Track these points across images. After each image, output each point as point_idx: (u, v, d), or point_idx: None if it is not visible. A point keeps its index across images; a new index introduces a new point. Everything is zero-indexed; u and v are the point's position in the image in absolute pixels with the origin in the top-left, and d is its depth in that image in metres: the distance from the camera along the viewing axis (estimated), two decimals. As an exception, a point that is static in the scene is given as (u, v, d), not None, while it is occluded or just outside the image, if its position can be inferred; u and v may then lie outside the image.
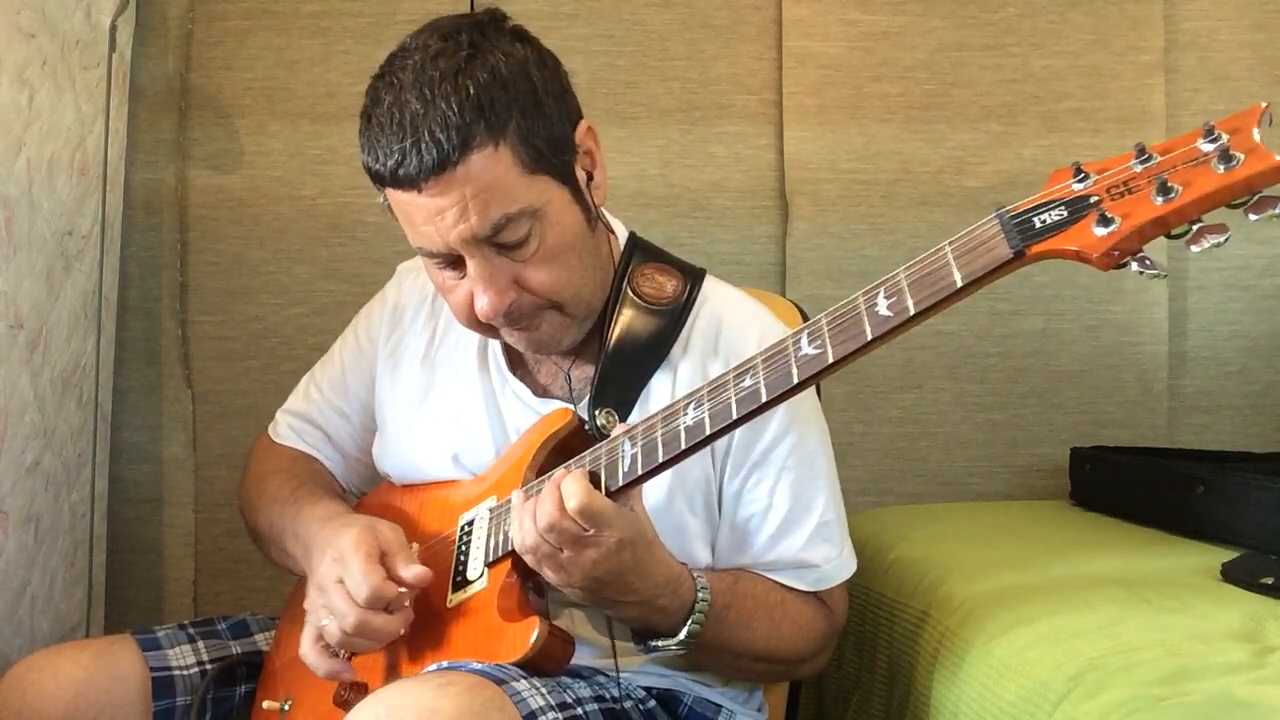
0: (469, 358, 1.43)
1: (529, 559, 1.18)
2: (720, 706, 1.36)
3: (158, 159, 2.16)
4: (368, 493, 1.55)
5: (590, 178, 1.30)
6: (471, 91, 1.18)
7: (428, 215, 1.20)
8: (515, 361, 1.42)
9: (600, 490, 1.16)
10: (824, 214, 2.20)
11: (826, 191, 2.20)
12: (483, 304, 1.24)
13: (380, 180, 1.23)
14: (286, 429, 1.56)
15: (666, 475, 1.26)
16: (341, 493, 1.53)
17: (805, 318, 1.63)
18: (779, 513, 1.33)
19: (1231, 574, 1.42)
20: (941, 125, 2.22)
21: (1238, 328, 2.24)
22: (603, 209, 1.36)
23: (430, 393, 1.44)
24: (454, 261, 1.25)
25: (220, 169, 2.16)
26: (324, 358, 1.59)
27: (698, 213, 2.20)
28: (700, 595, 1.24)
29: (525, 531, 1.16)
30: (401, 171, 1.19)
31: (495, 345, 1.42)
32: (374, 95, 1.24)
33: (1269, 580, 1.36)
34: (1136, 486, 1.84)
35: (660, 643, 1.25)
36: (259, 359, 2.17)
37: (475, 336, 1.42)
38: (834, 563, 1.36)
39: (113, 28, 1.96)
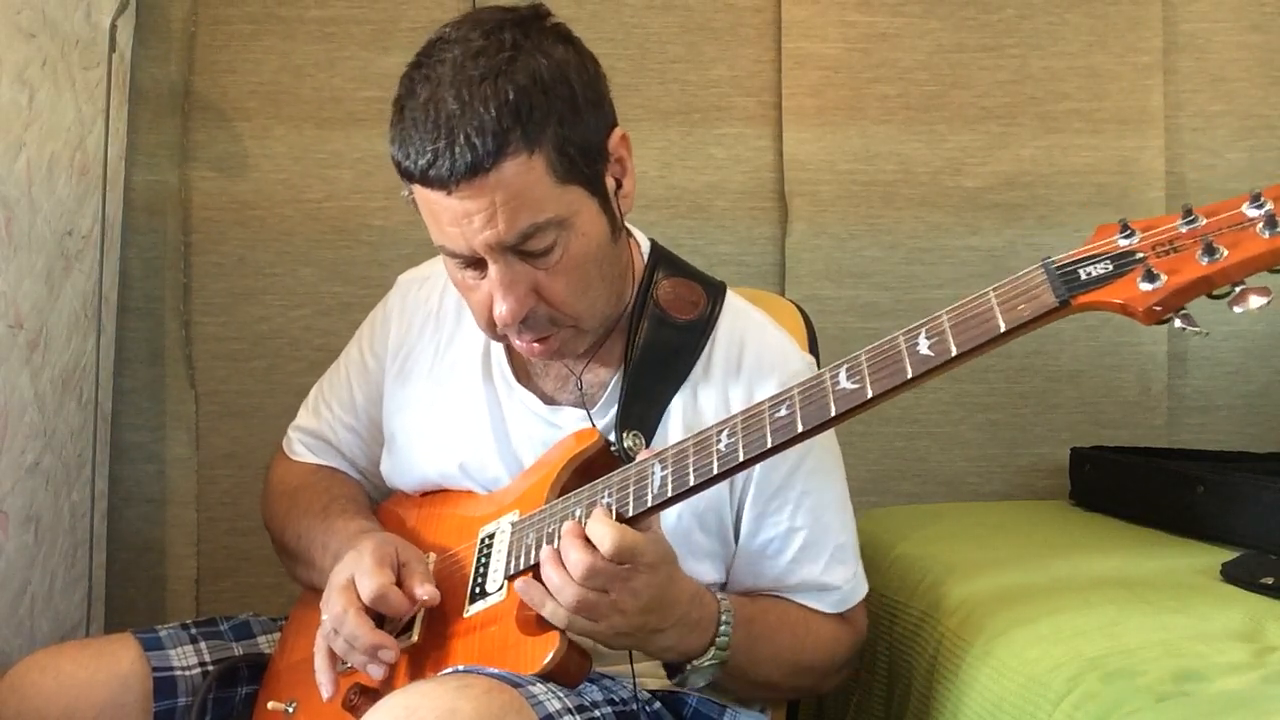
0: (472, 367, 1.42)
1: (579, 622, 1.16)
2: (724, 707, 1.36)
3: (160, 161, 2.15)
4: (384, 502, 1.55)
5: (619, 186, 1.28)
6: (510, 96, 1.15)
7: (454, 217, 1.19)
8: (521, 369, 1.41)
9: (614, 518, 1.16)
10: (823, 215, 2.20)
11: (825, 192, 2.20)
12: (501, 310, 1.22)
13: (409, 177, 1.21)
14: (301, 446, 1.56)
15: None
16: (372, 506, 1.52)
17: (805, 317, 1.63)
18: (799, 536, 1.33)
19: (1231, 574, 1.42)
20: (940, 126, 2.22)
21: (1235, 328, 2.24)
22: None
23: (436, 404, 1.43)
24: (475, 263, 1.23)
25: (224, 171, 2.16)
26: (330, 371, 1.58)
27: (697, 214, 2.20)
28: (723, 604, 1.25)
29: (567, 592, 1.14)
30: (432, 172, 1.17)
31: (499, 354, 1.41)
32: (408, 87, 1.21)
33: (1269, 580, 1.37)
34: (1136, 486, 1.85)
35: (696, 662, 1.24)
36: (264, 359, 2.17)
37: (478, 346, 1.42)
38: (852, 583, 1.37)
39: (113, 28, 1.96)
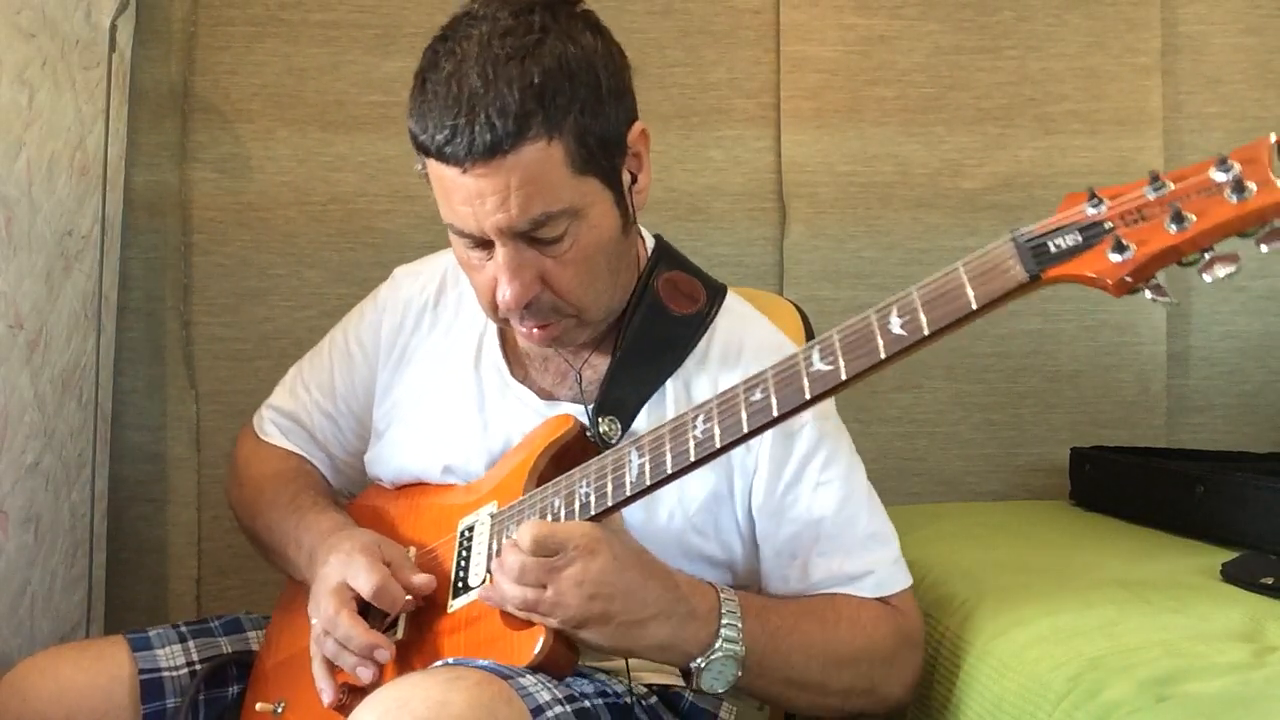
0: (465, 363, 1.40)
1: (535, 618, 1.16)
2: (721, 701, 1.35)
3: (160, 161, 2.15)
4: (357, 495, 1.54)
5: (634, 180, 1.27)
6: (536, 79, 1.14)
7: (467, 196, 1.17)
8: (517, 365, 1.39)
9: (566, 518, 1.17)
10: (821, 216, 2.21)
11: (823, 194, 2.21)
12: (505, 295, 1.21)
13: (424, 150, 1.20)
14: (272, 426, 1.54)
15: (667, 495, 1.25)
16: (337, 498, 1.51)
17: (804, 317, 1.64)
18: (821, 528, 1.29)
19: (1231, 574, 1.43)
20: (938, 128, 2.22)
21: (1233, 328, 2.25)
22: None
23: (428, 400, 1.42)
24: (483, 243, 1.21)
25: (226, 173, 2.16)
26: (311, 354, 1.57)
27: (696, 216, 2.20)
28: (724, 595, 1.21)
29: (508, 593, 1.15)
30: (449, 148, 1.15)
31: (494, 350, 1.40)
32: (432, 59, 1.20)
33: (1269, 580, 1.37)
34: (1136, 486, 1.85)
35: (700, 660, 1.18)
36: (269, 359, 2.16)
37: (471, 340, 1.41)
38: (889, 568, 1.31)
39: (113, 28, 1.96)
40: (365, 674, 1.21)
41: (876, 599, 1.30)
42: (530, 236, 1.19)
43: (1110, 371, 2.22)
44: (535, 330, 1.27)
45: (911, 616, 1.32)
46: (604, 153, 1.21)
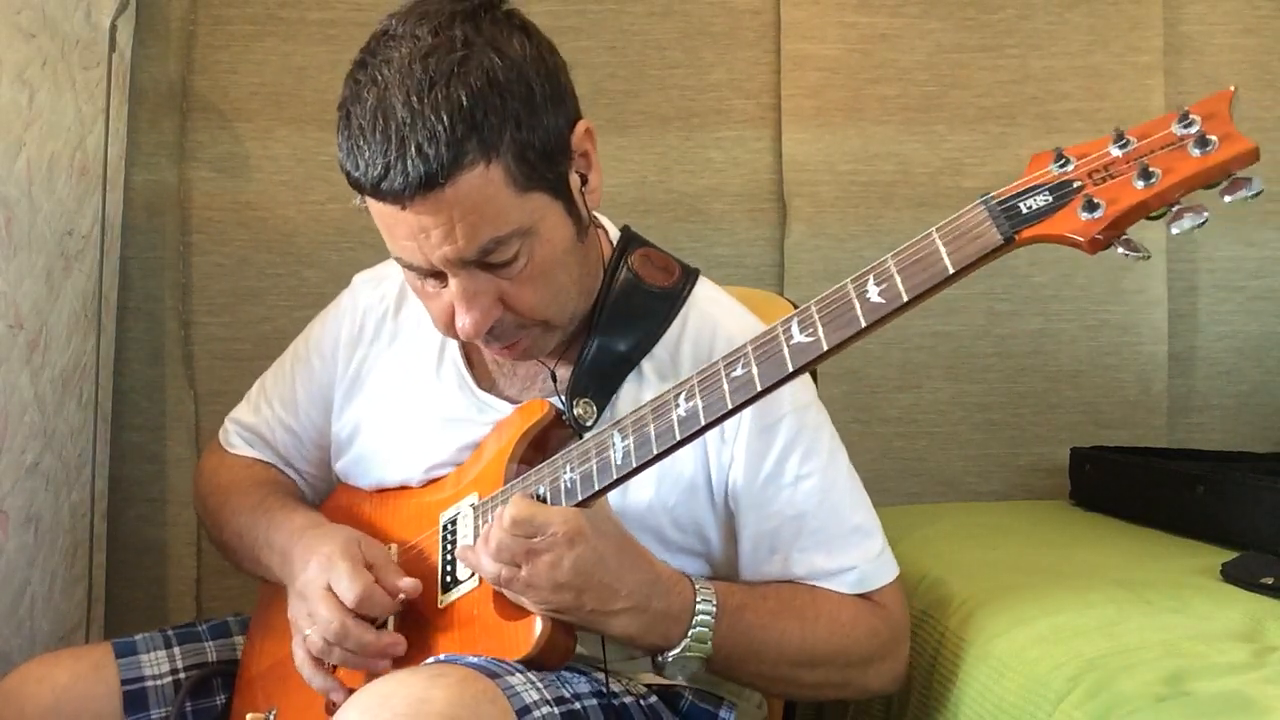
0: (429, 374, 1.38)
1: (508, 593, 1.15)
2: (721, 699, 1.34)
3: (160, 161, 2.15)
4: (328, 496, 1.51)
5: (585, 181, 1.22)
6: (464, 103, 1.09)
7: (410, 232, 1.13)
8: (483, 374, 1.37)
9: (561, 501, 1.16)
10: (822, 215, 2.20)
11: (824, 193, 2.20)
12: (465, 323, 1.18)
13: (359, 189, 1.15)
14: (237, 439, 1.52)
15: (643, 488, 1.24)
16: (308, 500, 1.50)
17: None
18: (802, 523, 1.26)
19: (1231, 574, 1.42)
20: (939, 126, 2.22)
21: (1231, 328, 2.25)
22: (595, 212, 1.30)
23: (395, 414, 1.40)
24: (435, 274, 1.18)
25: (225, 172, 2.16)
26: (275, 365, 1.54)
27: (695, 217, 2.20)
28: (701, 594, 1.20)
29: (485, 567, 1.15)
30: (384, 185, 1.10)
31: (455, 359, 1.37)
32: (354, 90, 1.14)
33: (1269, 580, 1.37)
34: (1137, 486, 1.85)
35: (671, 654, 1.18)
36: (268, 359, 2.12)
37: (432, 351, 1.38)
38: (873, 562, 1.29)
39: (113, 28, 1.96)
40: (384, 667, 1.21)
41: (859, 595, 1.28)
42: (482, 263, 1.15)
43: (1111, 371, 2.22)
44: (504, 350, 1.25)
45: (895, 611, 1.31)
46: (547, 164, 1.16)
